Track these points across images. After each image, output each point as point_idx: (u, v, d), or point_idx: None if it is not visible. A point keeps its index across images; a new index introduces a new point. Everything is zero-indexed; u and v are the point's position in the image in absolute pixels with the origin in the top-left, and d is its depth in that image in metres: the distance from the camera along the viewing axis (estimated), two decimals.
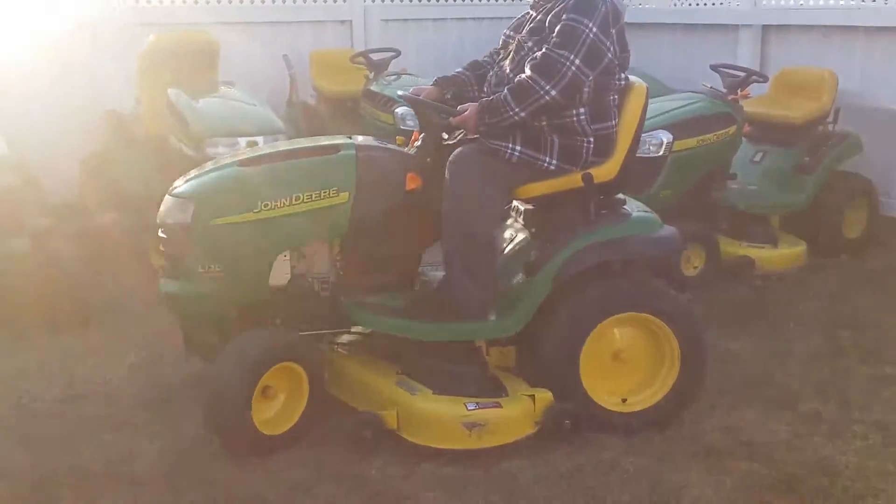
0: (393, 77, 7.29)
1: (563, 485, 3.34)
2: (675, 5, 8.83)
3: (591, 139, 3.63)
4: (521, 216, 3.98)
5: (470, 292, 3.61)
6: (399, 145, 3.90)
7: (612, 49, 3.51)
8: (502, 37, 3.92)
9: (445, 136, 3.82)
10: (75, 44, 7.11)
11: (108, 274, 5.41)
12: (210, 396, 3.44)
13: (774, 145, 6.31)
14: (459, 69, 4.05)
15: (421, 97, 3.81)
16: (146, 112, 6.55)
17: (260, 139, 5.62)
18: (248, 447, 3.45)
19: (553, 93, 3.43)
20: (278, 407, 3.56)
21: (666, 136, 5.65)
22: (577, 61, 3.42)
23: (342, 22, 8.31)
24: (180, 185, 3.72)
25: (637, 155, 5.56)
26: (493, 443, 3.48)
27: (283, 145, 4.06)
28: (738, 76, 6.17)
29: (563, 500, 3.25)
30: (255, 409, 3.42)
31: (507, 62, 3.72)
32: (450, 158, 3.61)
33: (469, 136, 3.72)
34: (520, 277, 3.69)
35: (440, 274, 3.90)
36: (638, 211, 3.85)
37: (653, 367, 3.76)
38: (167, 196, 3.70)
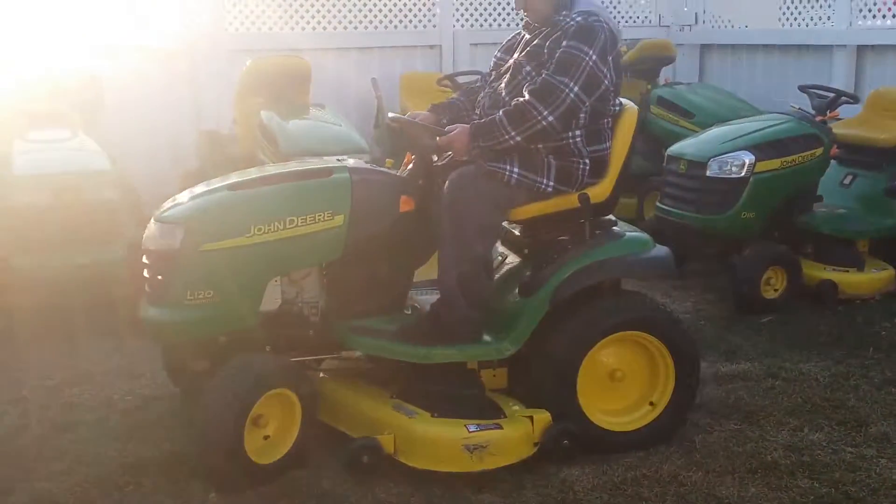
0: None
1: (619, 495, 3.37)
2: (782, 25, 8.68)
3: (587, 161, 3.65)
4: (511, 237, 3.97)
5: (465, 314, 3.60)
6: (389, 167, 3.91)
7: (608, 76, 3.53)
8: (493, 59, 3.93)
9: (435, 157, 3.81)
10: (177, 65, 7.55)
11: None
12: (200, 426, 3.36)
13: (864, 168, 6.16)
14: (455, 96, 4.10)
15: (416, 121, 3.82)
16: (240, 132, 6.89)
17: (344, 159, 5.85)
18: (239, 477, 3.36)
19: (550, 118, 3.44)
20: (270, 435, 3.47)
21: (748, 157, 5.61)
22: (576, 88, 3.44)
23: (431, 47, 8.53)
24: (167, 210, 3.63)
25: (718, 176, 5.64)
26: (494, 465, 3.45)
27: (273, 169, 4.01)
28: (827, 97, 6.08)
29: None
30: (246, 438, 3.32)
31: (504, 85, 3.71)
32: (448, 180, 3.59)
33: (457, 158, 3.70)
34: (514, 298, 3.68)
35: (430, 297, 3.89)
36: (630, 231, 3.86)
37: (648, 385, 3.77)
38: (152, 221, 3.61)
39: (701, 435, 3.82)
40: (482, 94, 3.88)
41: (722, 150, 5.72)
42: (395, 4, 8.44)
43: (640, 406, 3.77)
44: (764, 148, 5.66)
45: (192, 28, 7.68)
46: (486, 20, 8.81)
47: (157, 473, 3.52)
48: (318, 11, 8.12)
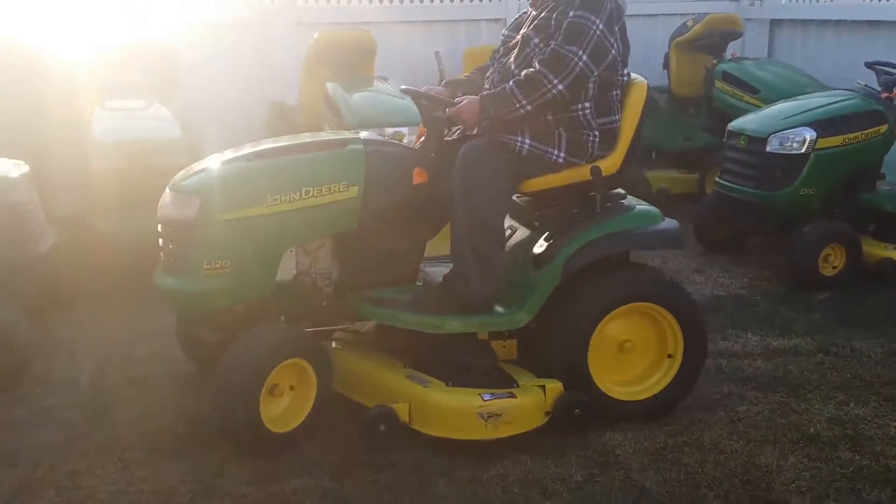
0: None
1: (659, 460, 3.46)
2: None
3: (597, 133, 3.68)
4: (521, 209, 3.99)
5: (479, 284, 3.63)
6: (398, 140, 3.92)
7: (615, 45, 3.56)
8: (501, 37, 3.98)
9: (446, 130, 3.84)
10: (248, 38, 7.77)
11: None
12: (218, 395, 3.42)
13: None
14: (469, 73, 4.17)
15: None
16: (306, 104, 7.09)
17: (405, 129, 5.98)
18: (257, 445, 3.43)
19: (560, 87, 3.48)
20: (286, 404, 3.52)
21: (809, 133, 5.59)
22: (584, 57, 3.47)
23: (496, 20, 8.59)
24: (183, 180, 3.64)
25: (778, 152, 5.62)
26: (508, 433, 3.50)
27: (289, 140, 3.99)
28: (895, 74, 5.99)
29: (656, 472, 3.38)
30: (263, 406, 3.38)
31: (513, 59, 3.74)
32: (461, 152, 3.61)
33: (468, 129, 3.75)
34: (525, 270, 3.72)
35: (440, 268, 3.92)
36: (639, 205, 3.88)
37: (656, 356, 3.83)
38: (168, 190, 3.64)
39: (745, 406, 3.89)
40: (491, 70, 3.92)
41: (783, 125, 5.70)
42: None
43: (649, 376, 3.82)
44: (826, 124, 5.62)
45: (264, 1, 7.89)
46: None
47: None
48: None
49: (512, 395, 3.55)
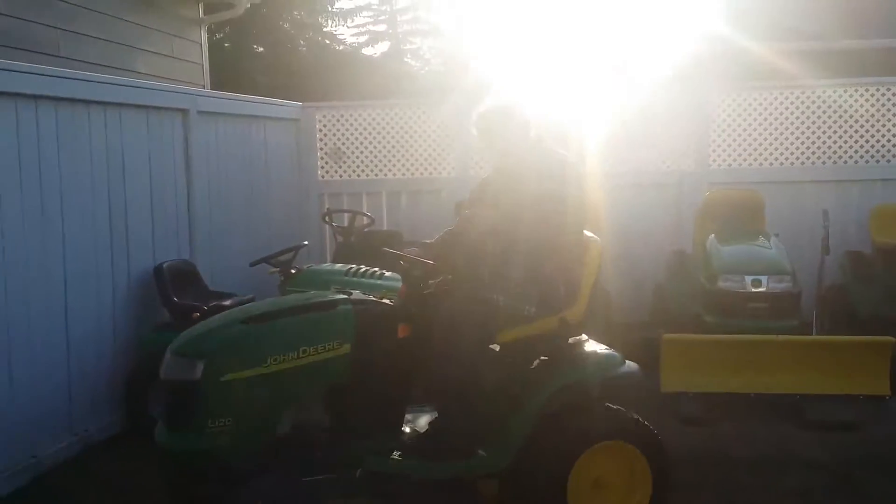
0: None
1: None
2: None
3: (563, 287, 4.03)
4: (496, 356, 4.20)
5: (463, 428, 3.90)
6: (381, 298, 4.27)
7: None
8: None
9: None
10: (664, 195, 9.00)
11: None
12: None
13: None
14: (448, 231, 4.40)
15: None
16: (696, 252, 8.24)
17: (763, 278, 6.96)
18: None
19: None
20: None
21: None
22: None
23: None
24: (182, 343, 3.88)
25: None
26: None
27: (278, 303, 4.28)
28: None
29: None
30: None
31: None
32: (445, 310, 3.95)
33: (443, 285, 4.13)
34: (503, 413, 3.98)
35: (423, 414, 4.20)
36: (602, 349, 4.18)
37: (627, 490, 4.06)
38: (170, 353, 3.85)
39: None
40: None
41: None
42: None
43: None
44: None
45: (682, 166, 9.12)
46: None
47: None
48: (776, 149, 8.96)
49: None
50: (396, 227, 9.06)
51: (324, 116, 9.60)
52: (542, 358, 4.13)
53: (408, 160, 9.53)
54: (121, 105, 6.06)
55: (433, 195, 9.29)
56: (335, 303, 4.04)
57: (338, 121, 9.57)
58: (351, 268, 6.56)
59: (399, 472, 3.90)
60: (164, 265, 6.35)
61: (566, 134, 7.60)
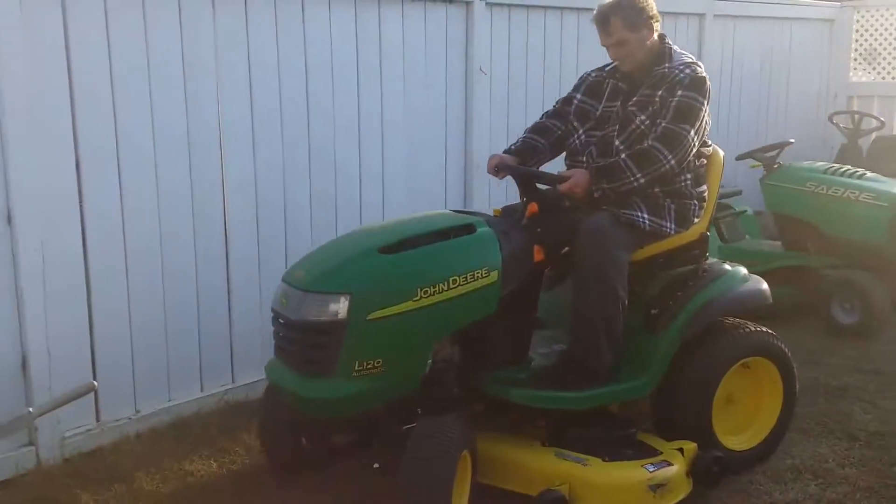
0: None
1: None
2: None
3: (696, 202, 3.93)
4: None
5: (608, 354, 3.69)
6: (496, 216, 3.92)
7: (709, 123, 3.88)
8: (574, 102, 4.09)
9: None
10: None
11: None
12: (409, 490, 3.16)
13: None
14: (527, 135, 4.14)
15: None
16: None
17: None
18: None
19: (672, 162, 3.72)
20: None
21: None
22: (693, 134, 3.74)
23: None
24: (317, 277, 3.45)
25: None
26: (672, 500, 3.50)
27: (405, 229, 3.71)
28: None
29: None
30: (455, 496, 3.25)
31: (616, 134, 3.90)
32: (587, 227, 3.68)
33: (578, 199, 3.80)
34: (641, 335, 3.79)
35: (545, 344, 3.90)
36: (728, 265, 4.06)
37: (755, 405, 4.04)
38: (297, 289, 3.43)
39: None
40: (574, 138, 4.04)
41: None
42: None
43: (750, 425, 4.03)
44: None
45: None
46: None
47: None
48: None
49: (669, 464, 3.53)
50: None
51: (861, 17, 9.46)
52: (679, 273, 3.98)
53: None
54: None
55: None
56: (471, 225, 3.64)
57: (877, 20, 9.36)
58: (831, 166, 6.52)
59: (548, 404, 3.66)
60: None
61: None
